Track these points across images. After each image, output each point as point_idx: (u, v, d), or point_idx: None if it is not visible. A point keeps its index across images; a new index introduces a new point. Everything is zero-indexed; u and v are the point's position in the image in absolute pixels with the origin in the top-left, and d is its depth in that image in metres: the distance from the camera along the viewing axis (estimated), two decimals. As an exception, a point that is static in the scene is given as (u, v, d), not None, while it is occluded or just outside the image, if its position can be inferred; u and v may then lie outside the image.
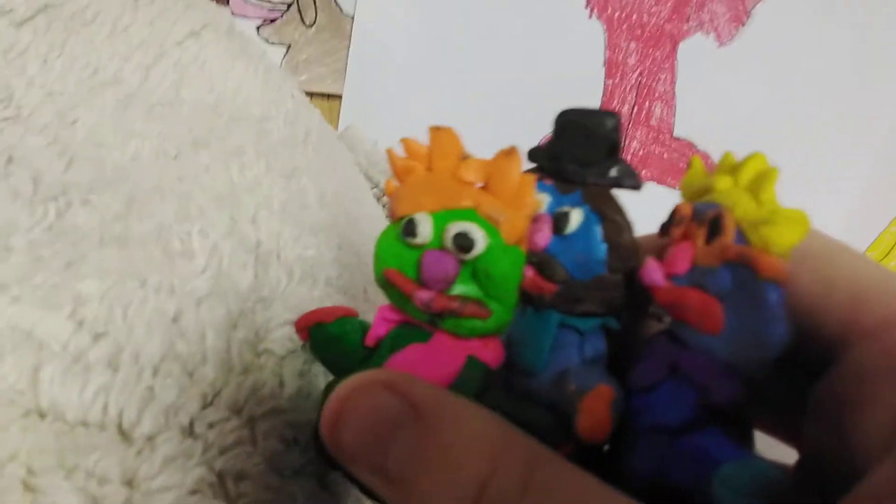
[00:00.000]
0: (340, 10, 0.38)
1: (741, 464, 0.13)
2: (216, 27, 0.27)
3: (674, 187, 0.41)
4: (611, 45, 0.40)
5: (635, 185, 0.15)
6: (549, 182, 0.16)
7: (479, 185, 0.15)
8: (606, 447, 0.15)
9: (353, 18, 0.38)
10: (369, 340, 0.16)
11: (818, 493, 0.14)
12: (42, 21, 0.23)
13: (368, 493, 0.16)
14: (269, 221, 0.23)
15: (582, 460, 0.14)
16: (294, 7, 0.39)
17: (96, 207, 0.20)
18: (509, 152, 0.14)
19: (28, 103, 0.23)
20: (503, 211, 0.14)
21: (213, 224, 0.21)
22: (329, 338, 0.16)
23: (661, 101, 0.41)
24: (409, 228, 0.14)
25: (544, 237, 0.15)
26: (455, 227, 0.14)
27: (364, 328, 0.16)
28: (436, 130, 0.15)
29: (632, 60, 0.40)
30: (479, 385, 0.15)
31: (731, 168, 0.14)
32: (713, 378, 0.13)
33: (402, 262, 0.15)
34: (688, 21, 0.40)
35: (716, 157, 0.39)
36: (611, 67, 0.40)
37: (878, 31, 0.39)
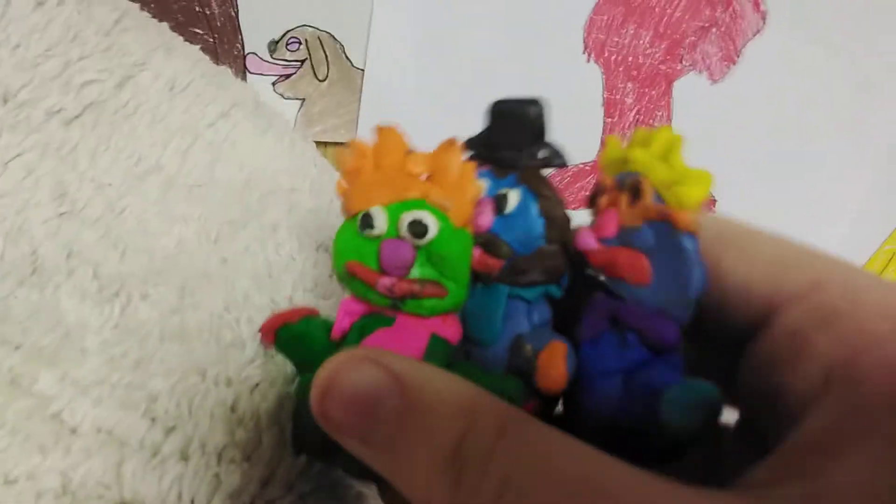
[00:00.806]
0: (351, 63, 0.40)
1: (683, 385, 0.14)
2: (243, 105, 0.30)
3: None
4: (608, 87, 0.42)
5: (563, 163, 0.17)
6: (485, 168, 0.17)
7: (425, 176, 0.16)
8: (561, 400, 0.17)
9: (363, 72, 0.39)
10: (335, 334, 0.17)
11: (756, 448, 0.15)
12: (89, 118, 0.25)
13: (351, 471, 0.17)
14: (305, 299, 0.25)
15: (546, 412, 0.16)
16: (307, 63, 0.41)
17: (154, 301, 0.22)
18: (449, 144, 0.16)
19: (81, 197, 0.25)
20: (450, 198, 0.15)
21: (258, 309, 0.23)
22: (295, 336, 0.17)
23: None
24: (367, 221, 0.16)
25: (487, 218, 0.16)
26: (409, 216, 0.15)
27: (328, 325, 0.17)
28: (380, 130, 0.16)
29: (629, 100, 0.42)
30: (445, 360, 0.16)
31: (643, 141, 0.16)
32: (649, 321, 0.15)
33: (362, 254, 0.16)
34: (681, 61, 0.41)
35: (714, 189, 0.41)
36: (609, 106, 0.42)
37: (865, 59, 0.41)
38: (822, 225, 0.42)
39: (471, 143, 0.17)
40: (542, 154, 0.16)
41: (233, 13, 0.40)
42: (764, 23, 0.40)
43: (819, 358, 0.13)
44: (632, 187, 0.15)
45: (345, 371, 0.13)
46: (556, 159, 0.17)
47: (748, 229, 0.17)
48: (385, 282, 0.16)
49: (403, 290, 0.16)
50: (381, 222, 0.15)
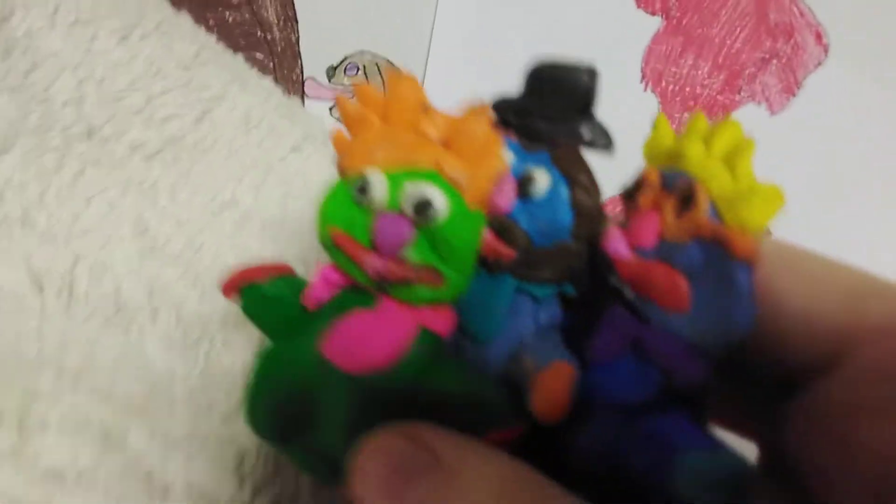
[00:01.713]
0: (408, 89, 0.41)
1: (708, 454, 0.12)
2: (314, 137, 0.29)
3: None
4: (665, 116, 0.42)
5: (608, 146, 0.14)
6: (514, 139, 0.14)
7: (440, 141, 0.13)
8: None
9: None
10: (309, 303, 0.14)
11: (789, 498, 0.13)
12: (169, 152, 0.24)
13: (303, 465, 0.15)
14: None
15: (535, 437, 0.13)
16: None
17: (236, 348, 0.22)
18: (476, 108, 0.13)
19: (162, 233, 0.23)
20: (467, 172, 0.13)
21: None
22: (264, 299, 0.15)
23: None
24: (363, 187, 0.13)
25: (507, 200, 0.13)
26: (414, 189, 0.13)
27: (301, 288, 0.15)
28: (395, 77, 0.13)
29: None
30: (430, 356, 0.14)
31: (703, 134, 0.13)
32: (679, 359, 0.13)
33: (351, 223, 0.13)
34: (740, 92, 0.42)
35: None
36: None
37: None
38: (882, 260, 0.42)
39: (499, 107, 0.15)
40: (585, 132, 0.14)
41: (293, 38, 0.40)
42: (826, 55, 0.40)
43: None
44: (683, 193, 0.13)
45: (378, 450, 0.12)
46: (601, 139, 0.14)
47: (806, 251, 0.14)
48: (374, 262, 0.13)
49: (394, 275, 0.13)
50: (379, 191, 0.13)
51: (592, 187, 0.14)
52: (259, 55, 0.38)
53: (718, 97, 0.38)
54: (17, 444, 0.18)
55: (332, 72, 0.38)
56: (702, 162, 0.13)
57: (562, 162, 0.14)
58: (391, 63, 0.38)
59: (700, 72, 0.38)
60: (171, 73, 0.24)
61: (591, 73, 0.14)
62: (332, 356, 0.13)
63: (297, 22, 0.38)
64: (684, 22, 0.37)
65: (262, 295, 0.15)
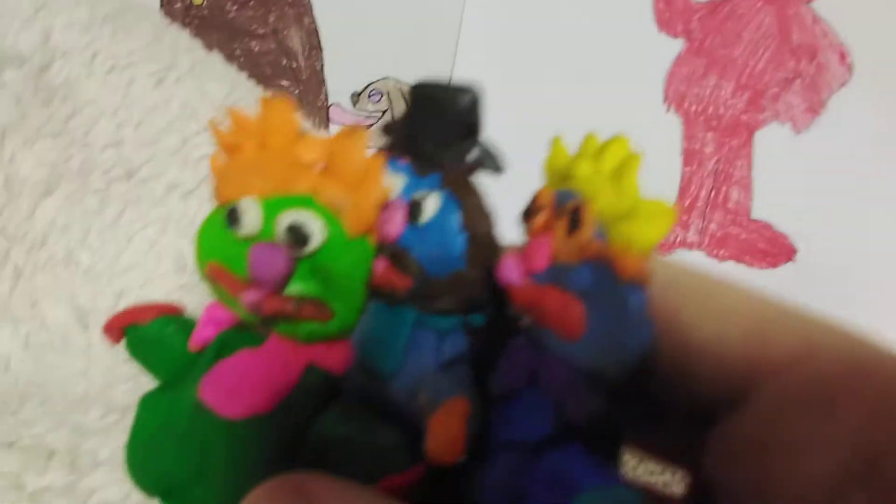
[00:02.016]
0: (432, 115, 0.41)
1: (601, 492, 0.11)
2: None
3: (751, 265, 0.44)
4: (688, 136, 0.42)
5: (497, 168, 0.14)
6: (406, 162, 0.14)
7: (320, 166, 0.13)
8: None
9: None
10: (194, 343, 0.14)
11: None
12: (204, 191, 0.25)
13: None
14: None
15: (437, 479, 0.12)
16: (388, 114, 0.42)
17: None
18: (352, 130, 0.12)
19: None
20: (346, 198, 0.12)
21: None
22: (145, 341, 0.14)
23: (738, 186, 0.42)
24: (234, 216, 0.12)
25: (396, 226, 0.13)
26: (288, 217, 0.12)
27: (189, 329, 0.14)
28: (267, 101, 0.12)
29: (709, 149, 0.42)
30: (320, 397, 0.13)
31: (594, 152, 0.13)
32: (572, 391, 0.12)
33: (228, 256, 0.12)
34: (763, 111, 0.42)
35: (797, 239, 0.41)
36: (688, 156, 0.42)
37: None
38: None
39: (389, 129, 0.14)
40: (472, 154, 0.13)
41: (318, 66, 0.41)
42: (850, 75, 0.40)
43: (829, 453, 0.10)
44: (571, 213, 0.12)
45: (261, 501, 0.11)
46: (489, 162, 0.14)
47: (713, 279, 0.13)
48: (251, 296, 0.12)
49: (273, 309, 0.12)
50: (252, 220, 0.12)
51: (484, 211, 0.13)
52: (285, 83, 0.38)
53: (742, 117, 0.38)
54: (70, 481, 0.19)
55: (356, 98, 0.39)
56: (590, 180, 0.12)
57: (452, 186, 0.13)
58: (415, 89, 0.39)
59: (723, 92, 0.38)
60: (204, 114, 0.25)
61: (472, 95, 0.14)
62: (210, 401, 0.12)
63: (321, 50, 0.39)
64: (706, 44, 0.37)
65: (143, 337, 0.14)
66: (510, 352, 0.14)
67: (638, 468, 0.23)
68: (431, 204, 0.13)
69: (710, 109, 0.39)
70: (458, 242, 0.13)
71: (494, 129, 0.46)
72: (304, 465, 0.12)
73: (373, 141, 0.13)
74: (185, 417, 0.13)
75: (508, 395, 0.13)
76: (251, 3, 0.38)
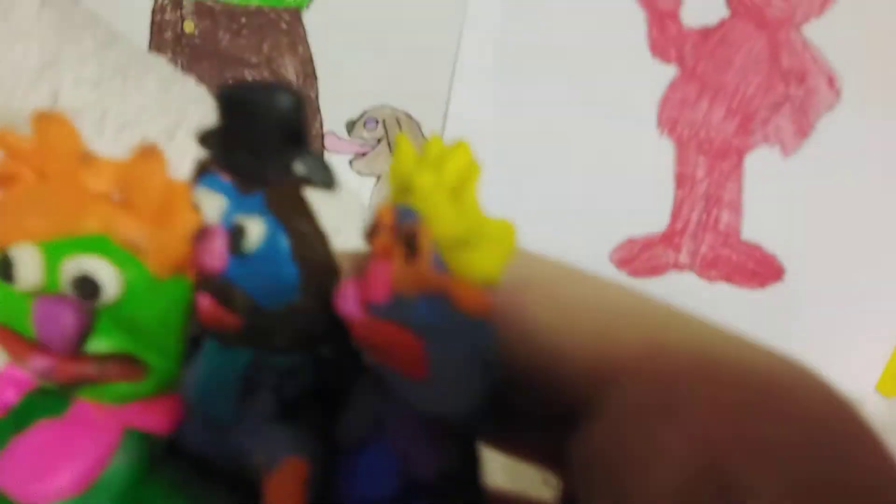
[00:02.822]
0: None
1: None
2: (352, 213, 0.29)
3: (741, 285, 0.45)
4: (680, 160, 0.42)
5: (327, 183, 0.12)
6: (227, 177, 0.12)
7: (113, 196, 0.11)
8: None
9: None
10: None
11: None
12: None
13: None
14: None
15: None
16: (384, 141, 0.42)
17: None
18: (147, 150, 0.10)
19: None
20: (147, 233, 0.10)
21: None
22: None
23: (729, 208, 0.43)
24: (5, 269, 0.10)
25: (217, 258, 0.11)
26: (72, 266, 0.10)
27: None
28: (42, 118, 0.11)
29: (700, 173, 0.43)
30: (141, 467, 0.11)
31: (435, 160, 0.11)
32: (417, 442, 0.11)
33: (9, 314, 0.10)
34: (753, 135, 0.42)
35: (785, 259, 0.43)
36: (680, 180, 0.42)
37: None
38: None
39: (204, 139, 0.12)
40: (298, 167, 0.12)
41: (313, 95, 0.41)
42: (838, 99, 0.41)
43: (676, 462, 0.10)
44: (407, 238, 0.11)
45: None
46: (318, 175, 0.12)
47: (561, 270, 0.12)
48: (39, 362, 0.10)
49: (68, 375, 0.10)
50: (29, 272, 0.10)
51: (317, 235, 0.12)
52: (280, 112, 0.39)
53: (733, 140, 0.39)
54: None
55: (351, 126, 0.39)
56: (428, 195, 0.11)
57: (277, 206, 0.12)
58: (410, 116, 0.39)
59: (714, 117, 0.38)
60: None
61: (292, 96, 0.12)
62: (8, 488, 0.11)
63: (316, 78, 0.39)
64: (699, 69, 0.38)
65: None
66: (355, 396, 0.12)
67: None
68: (254, 230, 0.12)
69: (702, 133, 0.40)
70: (290, 271, 0.12)
71: (493, 153, 0.47)
72: None
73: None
74: None
75: (356, 445, 0.12)
76: (244, 31, 0.38)
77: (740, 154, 0.40)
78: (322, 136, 0.38)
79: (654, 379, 0.10)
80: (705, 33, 0.37)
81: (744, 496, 0.09)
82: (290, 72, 0.36)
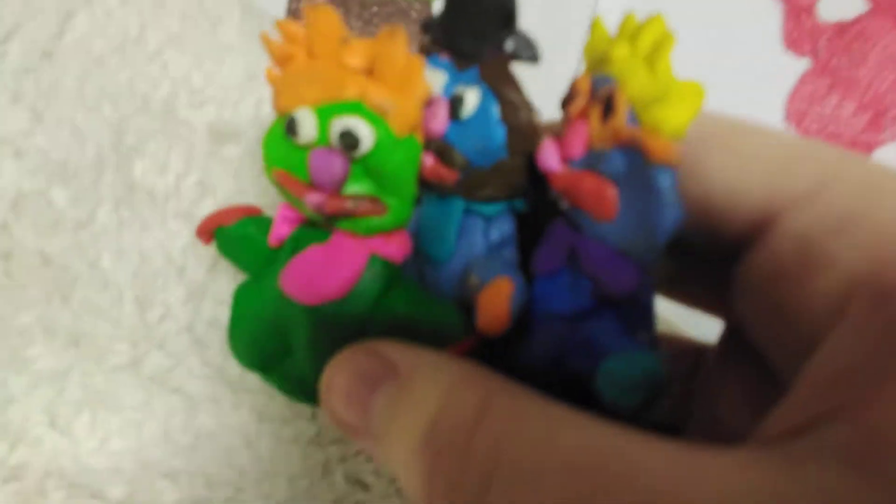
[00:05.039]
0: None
1: (623, 357, 0.12)
2: None
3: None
4: None
5: (533, 57, 0.14)
6: (446, 57, 0.14)
7: (365, 70, 0.13)
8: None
9: None
10: (273, 240, 0.15)
11: (749, 370, 0.13)
12: None
13: (286, 390, 0.16)
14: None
15: (488, 348, 0.14)
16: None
17: None
18: (392, 32, 0.12)
19: None
20: (391, 100, 0.13)
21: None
22: (232, 239, 0.16)
23: None
24: (291, 127, 0.13)
25: (440, 123, 0.14)
26: (339, 124, 0.13)
27: (268, 226, 0.15)
28: (312, 10, 0.13)
29: None
30: (384, 282, 0.14)
31: (631, 34, 0.12)
32: (606, 268, 0.13)
33: (291, 162, 0.13)
34: (883, 131, 0.43)
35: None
36: None
37: None
38: None
39: (428, 27, 0.15)
40: (509, 45, 0.14)
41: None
42: (973, 96, 0.41)
43: (837, 270, 0.11)
44: (604, 100, 0.12)
45: (343, 365, 0.13)
46: (526, 51, 0.14)
47: (740, 124, 0.13)
48: (313, 198, 0.13)
49: (334, 209, 0.13)
50: (308, 129, 0.13)
51: (521, 102, 0.14)
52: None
53: (861, 136, 0.39)
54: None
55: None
56: (625, 63, 0.12)
57: (489, 79, 0.14)
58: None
59: (844, 112, 0.39)
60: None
61: None
62: (289, 291, 0.14)
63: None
64: (832, 63, 0.38)
65: (229, 236, 0.16)
66: (551, 233, 0.14)
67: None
68: (471, 99, 0.14)
69: (830, 128, 0.40)
70: (499, 133, 0.14)
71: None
72: (377, 338, 0.14)
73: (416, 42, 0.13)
74: (272, 305, 0.14)
75: (550, 272, 0.14)
76: (375, 20, 0.39)
77: (869, 150, 0.40)
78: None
79: (825, 206, 0.11)
80: (841, 27, 0.37)
81: (893, 296, 0.10)
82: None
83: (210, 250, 0.22)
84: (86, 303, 0.19)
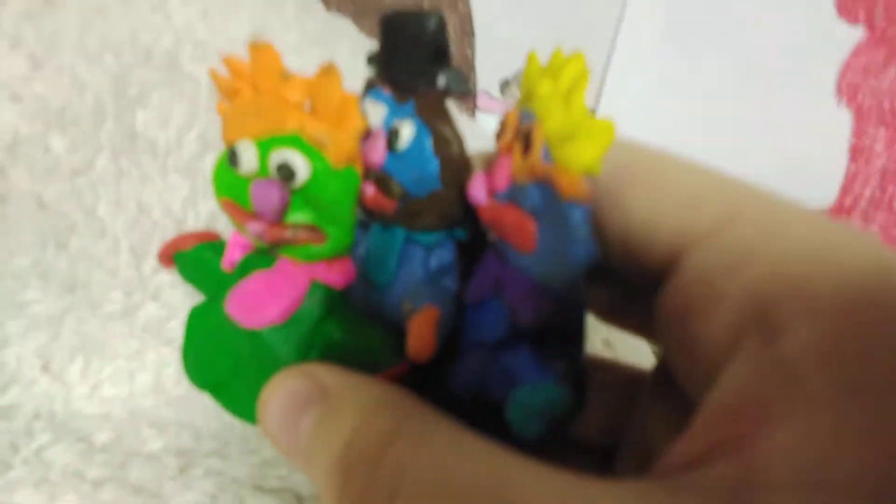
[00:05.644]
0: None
1: (532, 388, 0.13)
2: None
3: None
4: (857, 132, 0.39)
5: (465, 91, 0.15)
6: (388, 91, 0.15)
7: (304, 105, 0.14)
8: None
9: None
10: (225, 265, 0.16)
11: (677, 398, 0.13)
12: None
13: (236, 412, 0.16)
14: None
15: (421, 373, 0.14)
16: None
17: None
18: (327, 69, 0.13)
19: None
20: (327, 134, 0.13)
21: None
22: (190, 263, 0.17)
23: None
24: (233, 158, 0.14)
25: (379, 154, 0.14)
26: (277, 157, 0.13)
27: (223, 251, 0.16)
28: (253, 47, 0.14)
29: (878, 146, 0.40)
30: (325, 308, 0.15)
31: (556, 69, 0.13)
32: (522, 298, 0.13)
33: (236, 192, 0.14)
34: None
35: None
36: (855, 153, 0.40)
37: None
38: None
39: (372, 60, 0.15)
40: (441, 80, 0.14)
41: (469, 53, 0.41)
42: None
43: (729, 307, 0.11)
44: (525, 135, 0.13)
45: (278, 386, 0.13)
46: (457, 86, 0.15)
47: (661, 157, 0.14)
48: (255, 227, 0.14)
49: (274, 237, 0.14)
50: (248, 160, 0.14)
51: (453, 136, 0.15)
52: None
53: (921, 113, 0.36)
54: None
55: (505, 85, 0.39)
56: (546, 100, 0.13)
57: (424, 112, 0.14)
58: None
59: (902, 85, 0.36)
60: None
61: (438, 20, 0.15)
62: (233, 314, 0.15)
63: (474, 36, 0.39)
64: (889, 32, 0.36)
65: (187, 260, 0.17)
66: (481, 264, 0.15)
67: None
68: (405, 132, 0.14)
69: (886, 103, 0.38)
70: (433, 165, 0.15)
71: (648, 118, 0.46)
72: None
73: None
74: (221, 327, 0.15)
75: (479, 301, 0.15)
76: (406, -13, 0.38)
77: (926, 127, 0.37)
78: (475, 96, 0.38)
79: (724, 242, 0.12)
80: (901, -7, 0.34)
81: (780, 333, 0.10)
82: (448, 27, 0.37)
83: (210, 205, 0.22)
84: (81, 250, 0.20)
